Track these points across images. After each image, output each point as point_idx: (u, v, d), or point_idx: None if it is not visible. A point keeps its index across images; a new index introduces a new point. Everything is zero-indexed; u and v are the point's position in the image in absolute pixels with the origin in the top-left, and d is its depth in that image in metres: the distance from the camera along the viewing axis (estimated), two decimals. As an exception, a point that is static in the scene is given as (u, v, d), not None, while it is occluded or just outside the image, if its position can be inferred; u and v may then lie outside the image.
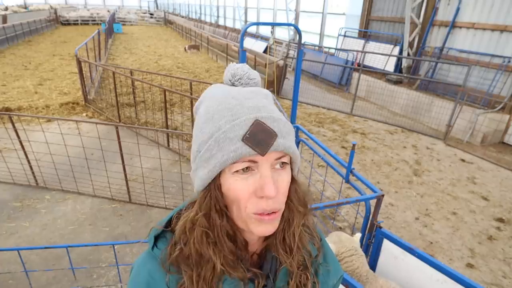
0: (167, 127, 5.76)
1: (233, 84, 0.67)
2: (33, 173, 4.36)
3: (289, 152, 0.59)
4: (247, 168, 0.57)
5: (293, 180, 0.65)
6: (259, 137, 0.55)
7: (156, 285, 0.63)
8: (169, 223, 0.69)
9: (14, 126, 3.97)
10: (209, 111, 0.61)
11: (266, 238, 0.69)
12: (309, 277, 0.70)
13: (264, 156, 0.56)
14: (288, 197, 0.64)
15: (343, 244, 2.13)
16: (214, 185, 0.60)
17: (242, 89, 0.64)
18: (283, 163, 0.60)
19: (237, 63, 0.69)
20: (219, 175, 0.59)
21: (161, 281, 0.63)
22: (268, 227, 0.61)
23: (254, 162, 0.57)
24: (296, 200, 0.66)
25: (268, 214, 0.59)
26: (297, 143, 3.74)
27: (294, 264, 0.67)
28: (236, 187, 0.58)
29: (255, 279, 0.65)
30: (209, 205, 0.61)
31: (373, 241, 2.44)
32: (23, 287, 2.86)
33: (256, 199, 0.58)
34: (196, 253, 0.61)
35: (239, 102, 0.59)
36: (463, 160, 5.98)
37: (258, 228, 0.60)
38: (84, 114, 7.11)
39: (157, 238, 0.68)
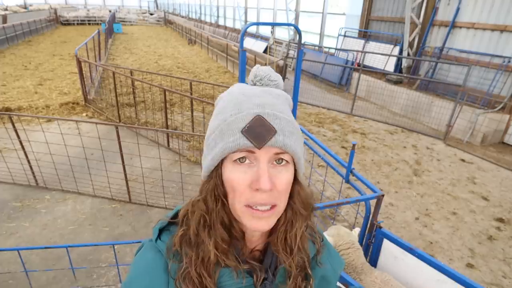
0: (167, 127, 5.77)
1: (254, 84, 0.70)
2: (33, 173, 4.36)
3: (288, 150, 0.60)
4: (243, 157, 0.59)
5: (297, 182, 0.66)
6: (257, 131, 0.58)
7: (156, 272, 0.65)
8: (174, 217, 0.72)
9: (14, 126, 3.97)
10: (222, 105, 0.66)
11: (269, 235, 0.70)
12: (304, 279, 0.71)
13: (261, 150, 0.58)
14: (291, 198, 0.65)
15: (341, 237, 2.17)
16: (216, 173, 0.63)
17: (257, 88, 0.67)
18: (282, 159, 0.61)
19: (262, 65, 0.71)
20: (221, 165, 0.62)
21: (161, 269, 0.65)
22: (261, 223, 0.61)
23: (252, 153, 0.59)
24: (299, 202, 0.67)
25: (262, 210, 0.60)
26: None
27: (293, 265, 0.68)
28: (234, 176, 0.60)
29: (254, 273, 0.66)
30: (208, 190, 0.64)
31: (373, 241, 2.44)
32: (23, 287, 2.87)
33: (252, 192, 0.59)
34: (195, 235, 0.64)
35: (247, 98, 0.63)
36: (463, 160, 5.98)
37: (250, 222, 0.61)
38: (84, 114, 7.11)
39: (161, 231, 0.70)
